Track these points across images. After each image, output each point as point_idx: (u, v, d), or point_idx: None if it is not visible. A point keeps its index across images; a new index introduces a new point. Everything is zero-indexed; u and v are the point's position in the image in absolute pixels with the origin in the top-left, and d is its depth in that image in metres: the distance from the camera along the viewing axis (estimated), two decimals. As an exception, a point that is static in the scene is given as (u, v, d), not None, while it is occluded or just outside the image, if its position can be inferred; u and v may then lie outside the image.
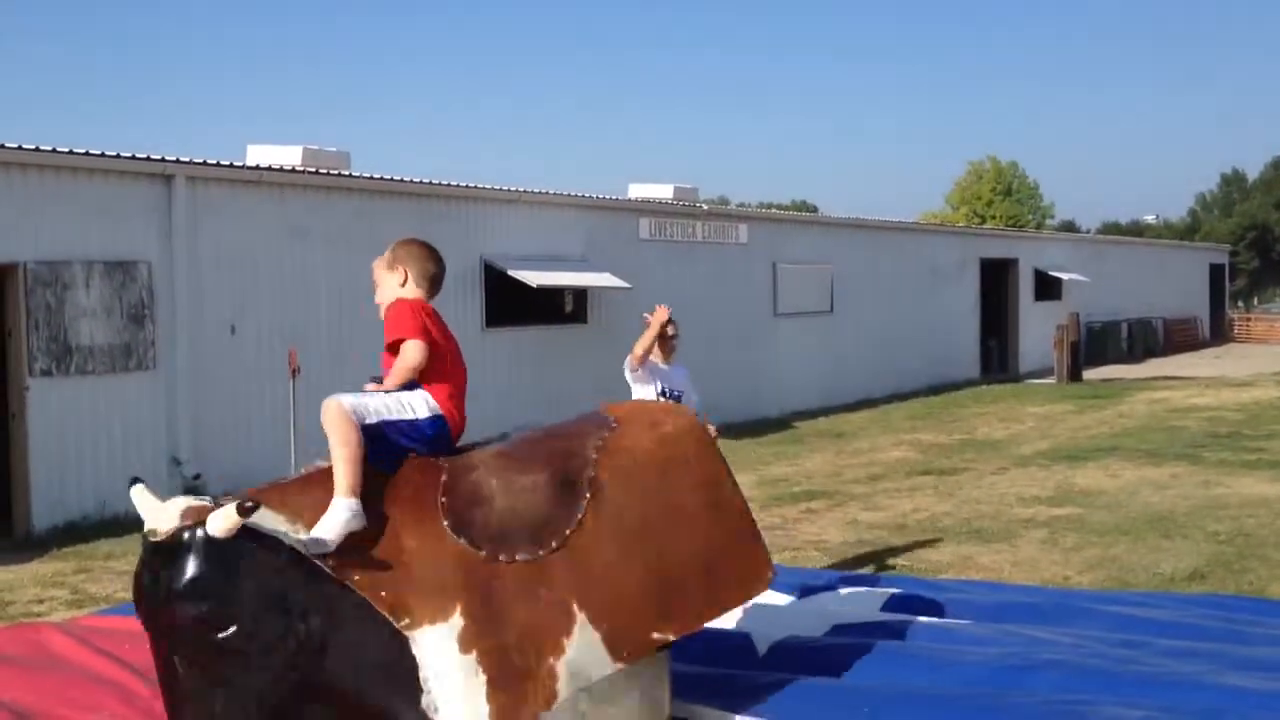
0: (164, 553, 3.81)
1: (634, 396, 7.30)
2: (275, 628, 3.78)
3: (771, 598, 7.16)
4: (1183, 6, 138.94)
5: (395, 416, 4.24)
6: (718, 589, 4.62)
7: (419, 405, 4.32)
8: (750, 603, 6.97)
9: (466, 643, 3.94)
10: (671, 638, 4.47)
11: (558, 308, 19.24)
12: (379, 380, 4.45)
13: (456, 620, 3.95)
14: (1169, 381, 27.71)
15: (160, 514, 3.88)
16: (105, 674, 5.78)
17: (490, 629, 3.99)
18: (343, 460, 4.03)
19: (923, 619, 6.49)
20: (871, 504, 12.50)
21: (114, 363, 12.72)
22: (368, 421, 4.15)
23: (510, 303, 17.59)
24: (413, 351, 4.31)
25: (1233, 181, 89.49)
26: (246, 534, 3.80)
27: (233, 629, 3.73)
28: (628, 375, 7.29)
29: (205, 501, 3.95)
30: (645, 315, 7.28)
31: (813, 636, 6.06)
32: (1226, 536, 10.14)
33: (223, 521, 3.77)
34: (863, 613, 6.64)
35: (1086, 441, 17.08)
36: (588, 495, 4.33)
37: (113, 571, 10.22)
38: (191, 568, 3.76)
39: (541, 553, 4.15)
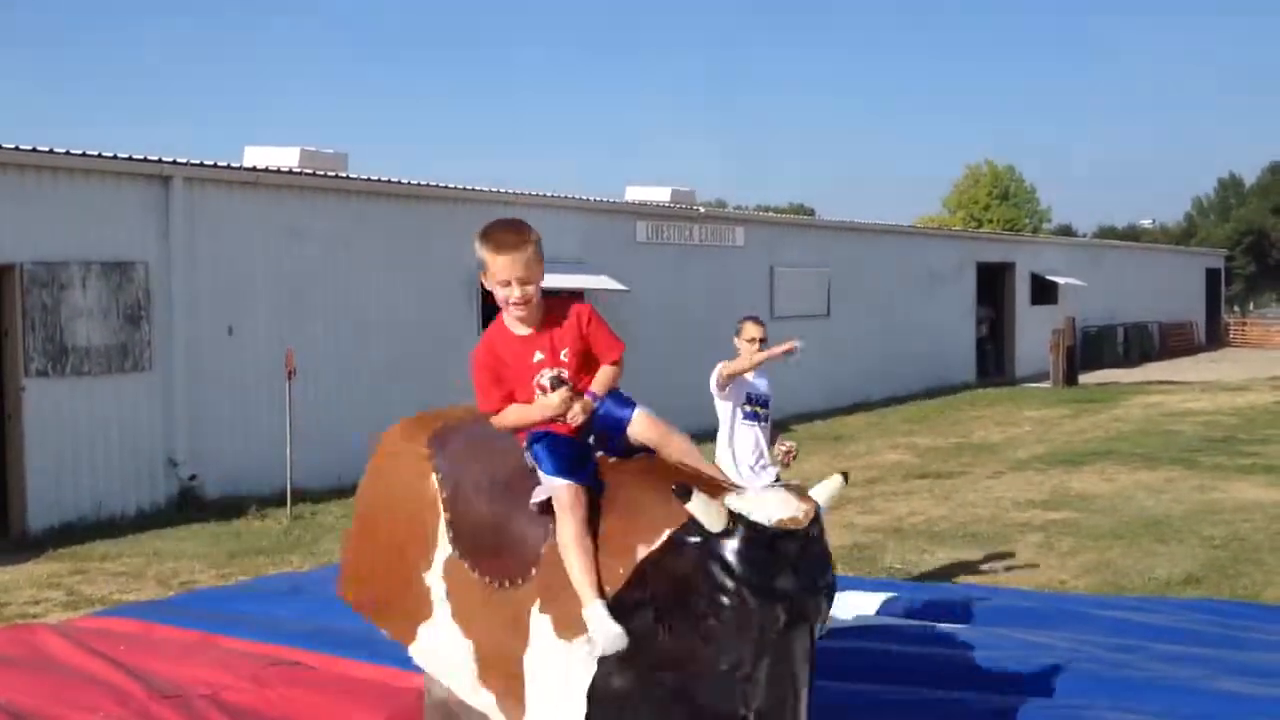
0: (813, 543, 3.56)
1: (718, 410, 7.27)
2: None
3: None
4: (1180, 12, 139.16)
5: None
6: None
7: None
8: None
9: None
10: None
11: (554, 310, 19.21)
12: (565, 381, 4.08)
13: None
14: (1165, 386, 27.74)
15: (777, 505, 3.55)
16: (100, 675, 5.78)
17: None
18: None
19: (918, 623, 6.50)
20: (868, 507, 12.51)
21: (110, 363, 12.71)
22: None
23: (507, 305, 17.55)
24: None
25: (1229, 186, 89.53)
26: None
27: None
28: (713, 388, 7.24)
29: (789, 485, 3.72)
30: (771, 341, 7.23)
31: (808, 640, 6.05)
32: (1221, 541, 10.16)
33: (827, 497, 3.67)
34: (858, 616, 6.64)
35: (1082, 445, 17.10)
36: None
37: (108, 573, 10.21)
38: (828, 555, 3.63)
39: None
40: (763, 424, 7.39)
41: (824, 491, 3.67)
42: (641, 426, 4.02)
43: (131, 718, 5.28)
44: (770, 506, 3.53)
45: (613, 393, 4.12)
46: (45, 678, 5.78)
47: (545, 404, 4.02)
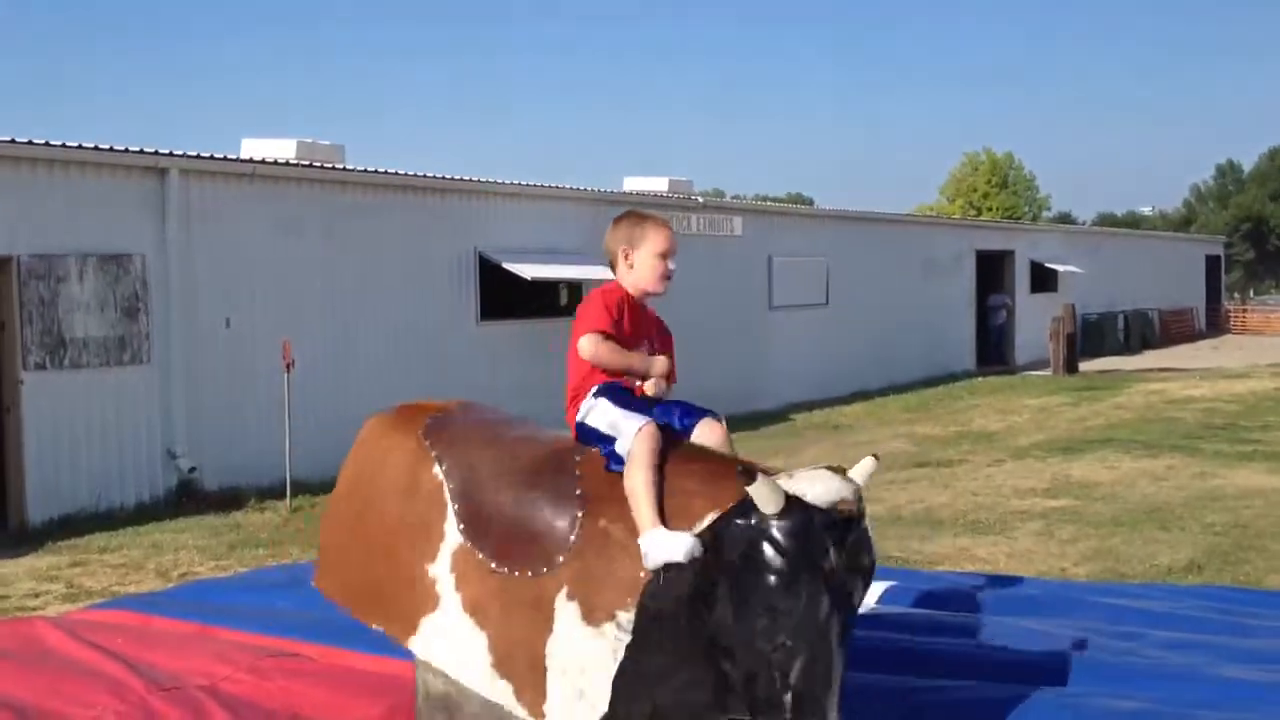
0: (857, 524, 3.75)
1: None
2: None
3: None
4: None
5: None
6: None
7: None
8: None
9: None
10: None
11: (553, 301, 19.21)
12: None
13: None
14: (1165, 373, 27.72)
15: (828, 487, 3.72)
16: (99, 669, 5.76)
17: None
18: None
19: (919, 611, 6.48)
20: (868, 496, 12.48)
21: (109, 356, 12.69)
22: None
23: (505, 296, 17.56)
24: None
25: (1228, 173, 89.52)
26: None
27: None
28: None
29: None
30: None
31: (809, 629, 6.02)
32: (1223, 528, 10.14)
33: (865, 478, 3.87)
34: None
35: (1083, 433, 17.08)
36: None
37: (108, 565, 10.20)
38: (869, 536, 3.81)
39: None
40: None
41: (861, 473, 3.81)
42: (706, 432, 4.21)
43: (130, 710, 5.26)
44: (821, 488, 3.65)
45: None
46: (43, 671, 5.76)
47: (650, 361, 4.32)
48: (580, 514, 4.07)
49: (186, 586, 8.40)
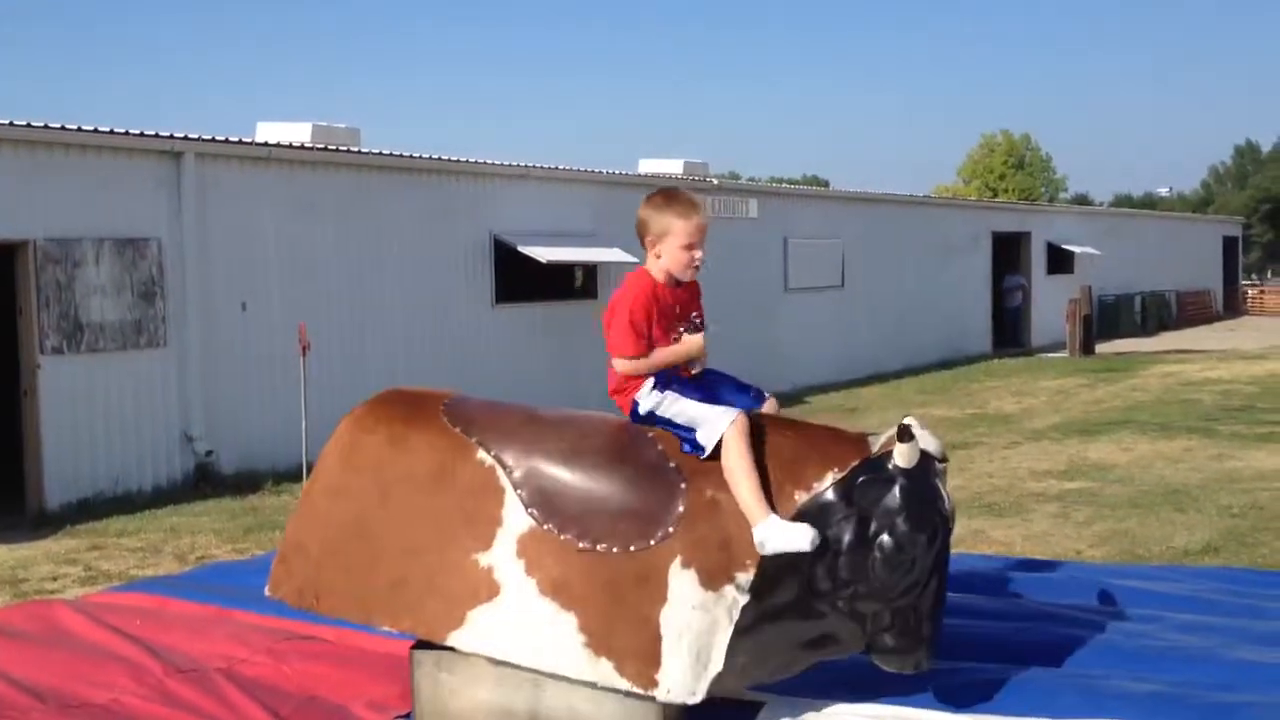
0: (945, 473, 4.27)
1: None
2: None
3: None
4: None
5: None
6: None
7: None
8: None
9: None
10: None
11: (568, 283, 19.21)
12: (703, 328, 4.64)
13: None
14: (1182, 355, 27.61)
15: (934, 441, 4.23)
16: (117, 651, 5.79)
17: None
18: None
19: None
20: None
21: (125, 340, 12.73)
22: None
23: (520, 278, 17.56)
24: None
25: (1246, 154, 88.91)
26: None
27: None
28: None
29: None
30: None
31: (824, 611, 6.02)
32: (1240, 510, 10.10)
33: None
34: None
35: (1099, 415, 17.03)
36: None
37: (125, 548, 10.25)
38: None
39: None
40: None
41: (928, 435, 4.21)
42: (766, 408, 4.53)
43: (147, 693, 5.29)
44: (934, 443, 4.16)
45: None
46: (61, 653, 5.80)
47: (682, 351, 4.44)
48: (684, 486, 4.26)
49: (204, 569, 8.43)
